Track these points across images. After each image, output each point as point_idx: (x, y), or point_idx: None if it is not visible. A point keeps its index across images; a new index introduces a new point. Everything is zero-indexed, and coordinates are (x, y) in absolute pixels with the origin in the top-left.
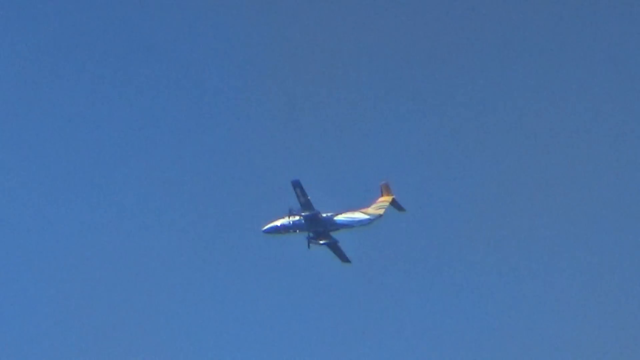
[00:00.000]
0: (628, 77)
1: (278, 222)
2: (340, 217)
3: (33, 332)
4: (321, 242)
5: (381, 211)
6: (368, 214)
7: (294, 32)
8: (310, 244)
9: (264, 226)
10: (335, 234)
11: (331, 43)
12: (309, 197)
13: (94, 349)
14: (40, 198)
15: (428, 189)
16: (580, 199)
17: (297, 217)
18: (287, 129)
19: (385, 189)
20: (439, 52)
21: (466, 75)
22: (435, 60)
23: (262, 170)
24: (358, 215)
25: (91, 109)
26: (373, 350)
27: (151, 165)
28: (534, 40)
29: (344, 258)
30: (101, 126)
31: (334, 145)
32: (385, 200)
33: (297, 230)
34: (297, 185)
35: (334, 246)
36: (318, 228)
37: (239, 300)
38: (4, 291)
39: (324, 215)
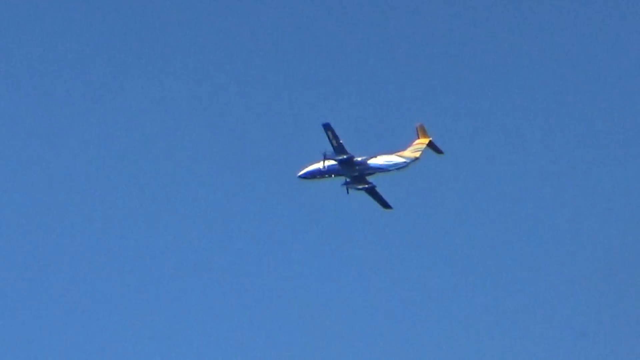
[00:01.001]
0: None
1: (313, 167)
2: (375, 161)
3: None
4: (359, 187)
5: (417, 154)
6: (404, 157)
7: None
8: (348, 189)
9: (299, 171)
10: (371, 178)
11: None
12: (341, 141)
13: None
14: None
15: (466, 130)
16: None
17: (331, 162)
18: (318, 70)
19: (422, 131)
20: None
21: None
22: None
23: (295, 114)
24: (394, 159)
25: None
26: (419, 298)
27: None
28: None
29: (384, 204)
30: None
31: (367, 86)
32: (421, 142)
33: (333, 175)
34: (328, 128)
35: (371, 191)
36: (353, 172)
37: (282, 247)
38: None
39: (359, 159)
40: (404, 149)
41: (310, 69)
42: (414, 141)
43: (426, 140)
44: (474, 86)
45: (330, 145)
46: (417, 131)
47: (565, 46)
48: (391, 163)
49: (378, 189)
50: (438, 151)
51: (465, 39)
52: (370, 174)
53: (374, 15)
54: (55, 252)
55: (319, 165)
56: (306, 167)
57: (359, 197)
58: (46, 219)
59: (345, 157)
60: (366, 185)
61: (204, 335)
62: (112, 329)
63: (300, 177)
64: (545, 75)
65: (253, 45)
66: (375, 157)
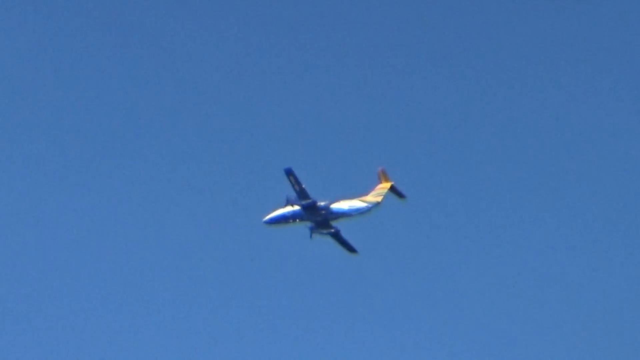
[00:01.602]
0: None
1: (278, 212)
2: (338, 206)
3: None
4: (323, 231)
5: (379, 198)
6: (366, 202)
7: (286, 22)
8: (313, 234)
9: (264, 217)
10: (335, 223)
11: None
12: (303, 186)
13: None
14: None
15: (427, 175)
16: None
17: (296, 207)
18: (279, 117)
19: (383, 175)
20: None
21: (463, 57)
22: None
23: (258, 161)
24: (356, 203)
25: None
26: (385, 341)
27: (147, 161)
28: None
29: (349, 248)
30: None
31: (329, 132)
32: (383, 187)
33: (298, 220)
34: (290, 173)
35: (336, 235)
36: (317, 217)
37: (247, 293)
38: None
39: (321, 204)
40: (366, 193)
41: (273, 112)
42: (376, 186)
43: (388, 185)
44: (436, 129)
45: (293, 191)
46: (379, 176)
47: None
48: (354, 208)
49: (342, 234)
50: (400, 195)
51: (427, 81)
52: (333, 219)
53: (334, 56)
54: (55, 252)
55: (284, 210)
56: (271, 212)
57: (324, 242)
58: (46, 219)
59: (308, 202)
60: (331, 230)
61: None
62: (111, 329)
63: (265, 222)
64: (513, 118)
65: (219, 87)
66: (338, 202)
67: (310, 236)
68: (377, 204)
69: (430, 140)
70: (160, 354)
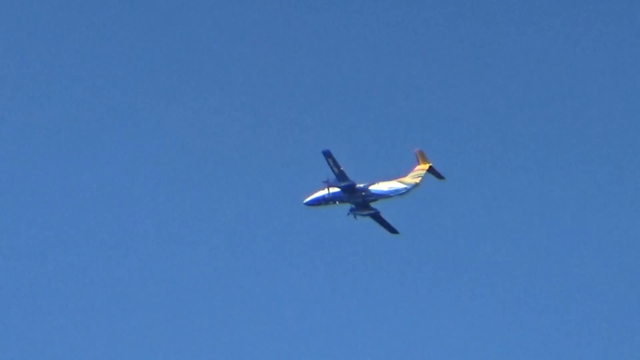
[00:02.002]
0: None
1: (318, 194)
2: (377, 187)
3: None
4: (364, 213)
5: (418, 180)
6: (405, 183)
7: None
8: (355, 216)
9: (305, 198)
10: (374, 205)
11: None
12: (342, 168)
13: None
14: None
15: (467, 155)
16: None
17: (335, 189)
18: (319, 100)
19: (421, 157)
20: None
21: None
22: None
23: (297, 141)
24: (395, 185)
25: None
26: (428, 322)
27: (186, 141)
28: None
29: (391, 229)
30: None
31: (368, 112)
32: (422, 168)
33: (337, 202)
34: (328, 155)
35: (377, 217)
36: (357, 199)
37: (290, 275)
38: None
39: (360, 185)
40: (405, 175)
41: (309, 95)
42: (414, 167)
43: (426, 166)
44: (474, 110)
45: (332, 173)
46: (417, 157)
47: (563, 66)
48: (392, 189)
49: (383, 215)
50: (439, 176)
51: (463, 63)
52: (372, 200)
53: (370, 41)
54: (55, 252)
55: (324, 192)
56: (312, 194)
57: (366, 223)
58: (46, 219)
59: (347, 184)
60: (371, 212)
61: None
62: (109, 329)
63: (306, 204)
64: (545, 97)
65: (250, 70)
66: (377, 183)
67: (355, 217)
68: (416, 185)
69: (470, 121)
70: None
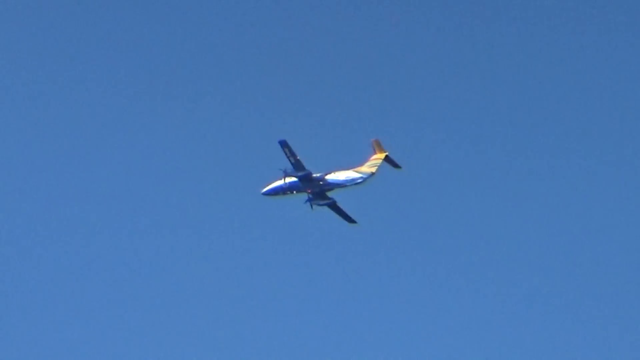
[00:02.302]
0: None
1: (275, 184)
2: (333, 176)
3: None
4: (321, 202)
5: (374, 169)
6: (361, 172)
7: None
8: (312, 205)
9: (262, 188)
10: (331, 194)
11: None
12: (298, 157)
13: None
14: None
15: (422, 143)
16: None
17: (292, 178)
18: (274, 88)
19: (378, 146)
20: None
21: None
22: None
23: (253, 131)
24: (351, 174)
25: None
26: (387, 312)
27: (148, 134)
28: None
29: (348, 219)
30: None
31: (324, 103)
32: (378, 157)
33: (295, 192)
34: (284, 145)
35: (334, 206)
36: (314, 189)
37: (248, 265)
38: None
39: (317, 175)
40: (361, 164)
41: (267, 85)
42: (370, 156)
43: (382, 155)
44: (430, 98)
45: (289, 163)
46: (373, 146)
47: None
48: (349, 179)
49: (340, 205)
50: (395, 165)
51: (418, 48)
52: (329, 189)
53: (328, 31)
54: (55, 252)
55: (281, 182)
56: (269, 184)
57: (323, 213)
58: (45, 219)
59: (303, 173)
60: (328, 201)
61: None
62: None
63: (263, 194)
64: (505, 86)
65: (211, 61)
66: (333, 172)
67: (311, 207)
68: (372, 174)
69: (425, 107)
70: (169, 326)
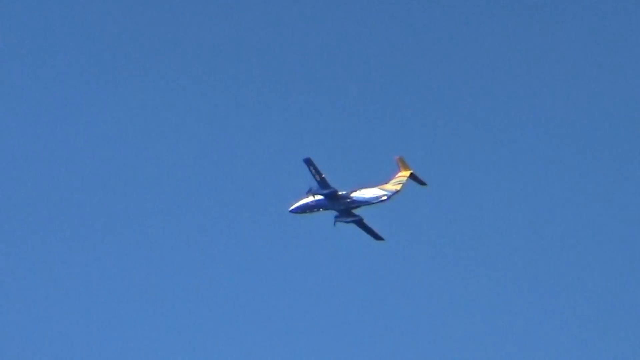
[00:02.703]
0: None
1: (303, 202)
2: (358, 194)
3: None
4: (347, 220)
5: (398, 187)
6: (386, 190)
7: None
8: (336, 222)
9: (290, 206)
10: (357, 211)
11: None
12: (323, 175)
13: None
14: None
15: (448, 162)
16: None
17: (319, 196)
18: (300, 107)
19: (402, 163)
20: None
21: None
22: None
23: (278, 149)
24: (376, 192)
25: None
26: (415, 327)
27: (173, 153)
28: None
29: (375, 236)
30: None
31: (349, 121)
32: (403, 175)
33: (321, 209)
34: (309, 163)
35: (360, 223)
36: (340, 206)
37: (277, 282)
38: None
39: (342, 192)
40: (386, 181)
41: (290, 104)
42: (396, 174)
43: (407, 173)
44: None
45: (314, 180)
46: (398, 164)
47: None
48: (374, 196)
49: (366, 221)
50: (421, 183)
51: (444, 70)
52: (355, 207)
53: (349, 46)
54: (55, 252)
55: (308, 199)
56: (297, 202)
57: (350, 230)
58: (46, 219)
59: (328, 191)
60: (354, 218)
61: None
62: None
63: (291, 211)
64: (527, 102)
65: (233, 78)
66: (359, 190)
67: (335, 224)
68: (396, 192)
69: (451, 127)
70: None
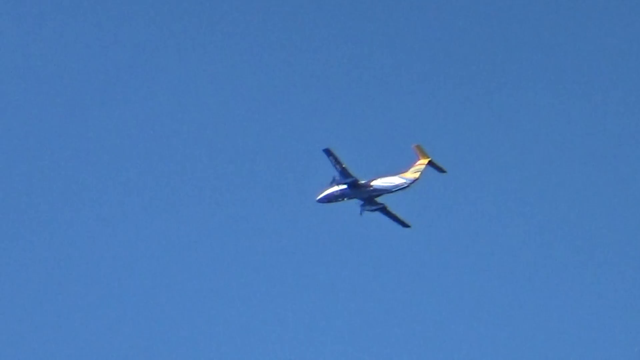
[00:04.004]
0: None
1: (328, 191)
2: (378, 183)
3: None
4: (372, 208)
5: (417, 174)
6: (405, 178)
7: None
8: (362, 211)
9: (317, 196)
10: (379, 200)
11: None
12: (344, 165)
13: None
14: None
15: (466, 148)
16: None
17: (343, 185)
18: (318, 97)
19: (420, 151)
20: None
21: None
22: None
23: (301, 141)
24: (396, 180)
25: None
26: (445, 313)
27: (200, 143)
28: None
29: (402, 222)
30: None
31: (370, 109)
32: (422, 162)
33: (346, 198)
34: (329, 153)
35: (385, 211)
36: (363, 195)
37: (308, 270)
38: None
39: (362, 181)
40: (406, 169)
41: (310, 93)
42: (415, 162)
43: (426, 161)
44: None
45: (335, 170)
46: (416, 152)
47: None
48: (393, 184)
49: (390, 208)
50: (441, 170)
51: (460, 57)
52: (377, 195)
53: (366, 37)
54: (55, 252)
55: (333, 189)
56: (322, 191)
57: (376, 217)
58: (46, 219)
59: (350, 180)
60: (378, 206)
61: None
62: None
63: (318, 201)
64: (543, 91)
65: (249, 69)
66: (378, 178)
67: (361, 213)
68: (415, 179)
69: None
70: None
